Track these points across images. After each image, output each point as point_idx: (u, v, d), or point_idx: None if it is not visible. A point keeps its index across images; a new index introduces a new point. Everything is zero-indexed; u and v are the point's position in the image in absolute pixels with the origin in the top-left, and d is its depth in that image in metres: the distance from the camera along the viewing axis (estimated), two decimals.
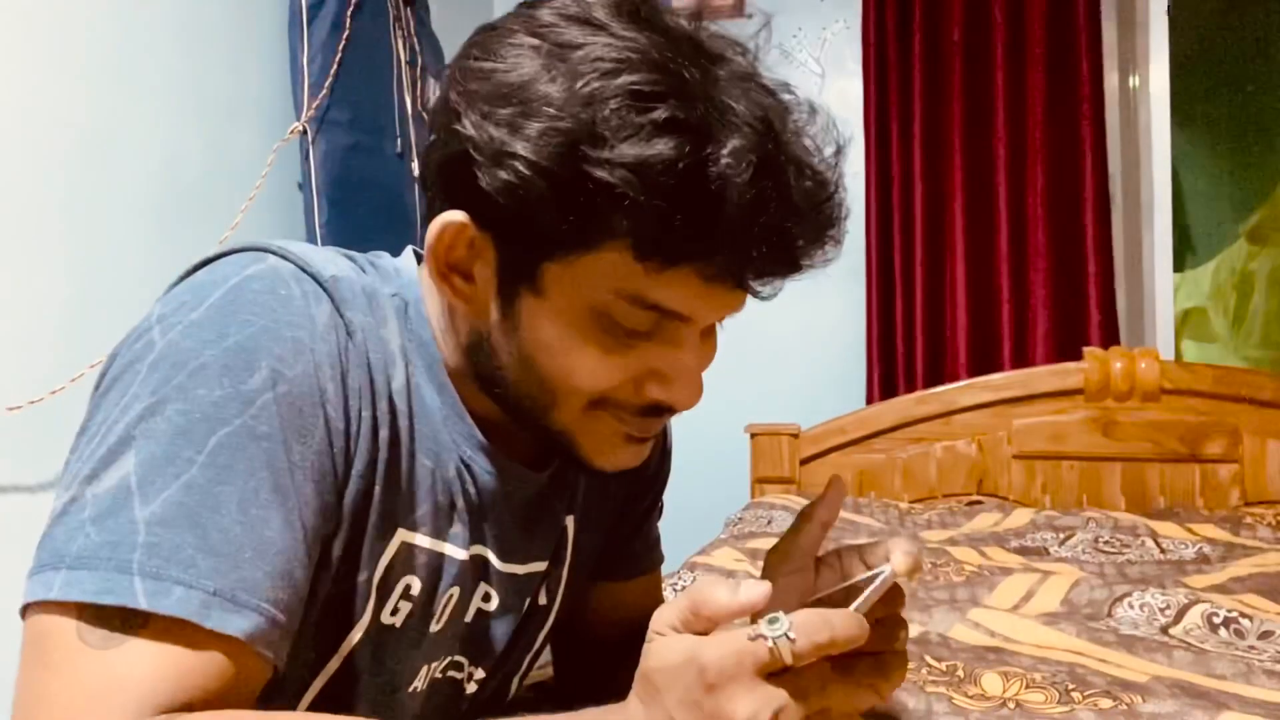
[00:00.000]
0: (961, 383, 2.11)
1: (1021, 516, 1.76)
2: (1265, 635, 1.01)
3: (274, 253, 0.54)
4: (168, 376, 0.48)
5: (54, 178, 1.31)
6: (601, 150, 0.47)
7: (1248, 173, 3.17)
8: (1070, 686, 0.85)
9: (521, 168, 0.49)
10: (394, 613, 0.59)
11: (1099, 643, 1.00)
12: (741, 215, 0.49)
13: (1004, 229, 2.34)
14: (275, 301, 0.51)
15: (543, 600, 0.71)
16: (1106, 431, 1.97)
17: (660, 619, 0.47)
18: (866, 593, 0.49)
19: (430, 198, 0.57)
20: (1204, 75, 3.05)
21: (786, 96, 0.54)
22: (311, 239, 1.77)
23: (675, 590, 1.21)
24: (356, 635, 0.57)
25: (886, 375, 2.42)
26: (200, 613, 0.45)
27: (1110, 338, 2.27)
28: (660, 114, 0.47)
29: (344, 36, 1.80)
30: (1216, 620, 1.05)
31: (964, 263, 2.36)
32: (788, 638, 0.43)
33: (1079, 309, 2.29)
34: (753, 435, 2.15)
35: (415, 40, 2.08)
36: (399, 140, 1.98)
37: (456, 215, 0.54)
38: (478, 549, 0.63)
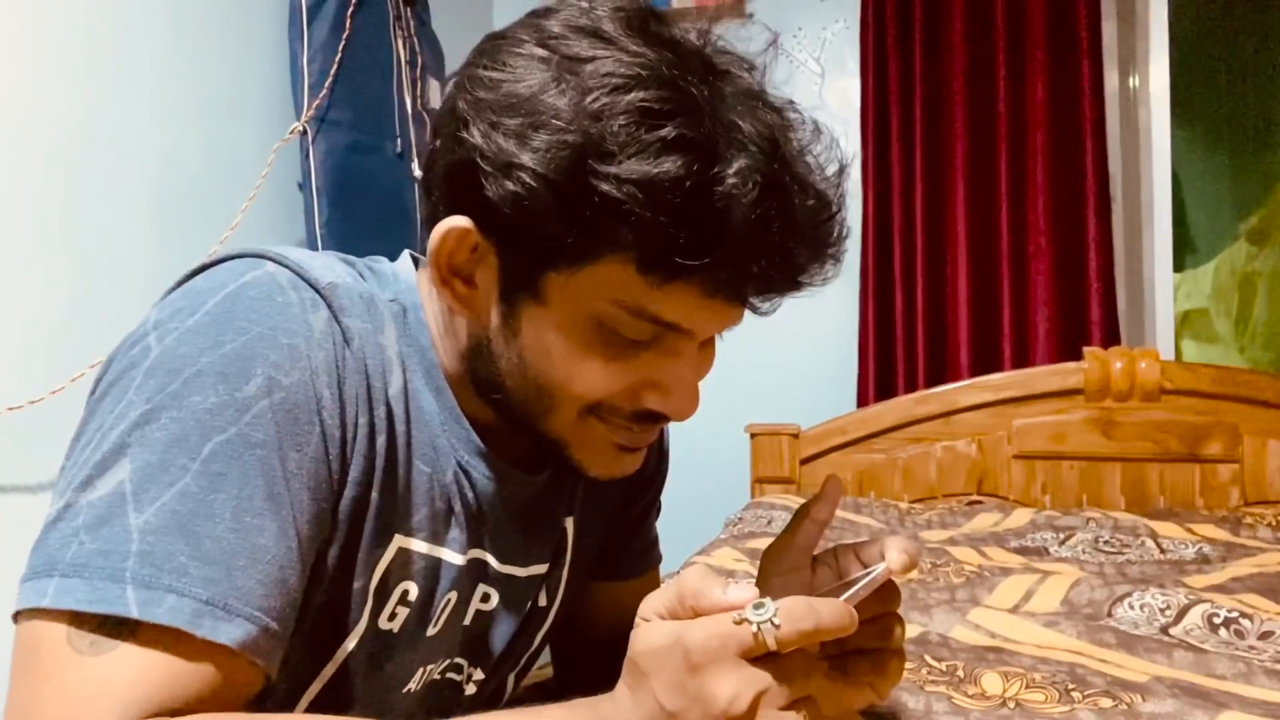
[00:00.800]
0: (961, 383, 2.11)
1: (1021, 516, 1.76)
2: (1265, 635, 1.01)
3: (271, 259, 0.54)
4: (163, 384, 0.48)
5: (54, 177, 1.31)
6: (609, 165, 0.48)
7: (1248, 173, 3.17)
8: (1070, 686, 0.85)
9: (528, 179, 0.49)
10: (391, 618, 0.59)
11: (1099, 643, 1.00)
12: (745, 234, 0.49)
13: (1004, 229, 2.33)
14: (272, 308, 0.51)
15: (543, 601, 0.71)
16: (1106, 431, 1.97)
17: (647, 605, 0.47)
18: (857, 586, 0.49)
19: (433, 202, 0.57)
20: (1204, 75, 3.05)
21: (792, 115, 0.55)
22: (311, 239, 1.77)
23: None
24: (352, 642, 0.57)
25: (886, 375, 2.42)
26: (192, 622, 0.45)
27: (1110, 338, 2.27)
28: (668, 132, 0.48)
29: (344, 36, 1.80)
30: (1217, 620, 1.04)
31: (964, 262, 2.36)
32: (772, 623, 0.43)
33: (1079, 309, 2.29)
34: (753, 435, 2.15)
35: (415, 40, 2.08)
36: (399, 140, 1.98)
37: (460, 221, 0.54)
38: (476, 553, 0.63)
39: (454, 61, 2.13)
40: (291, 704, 0.56)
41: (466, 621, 0.65)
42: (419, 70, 2.08)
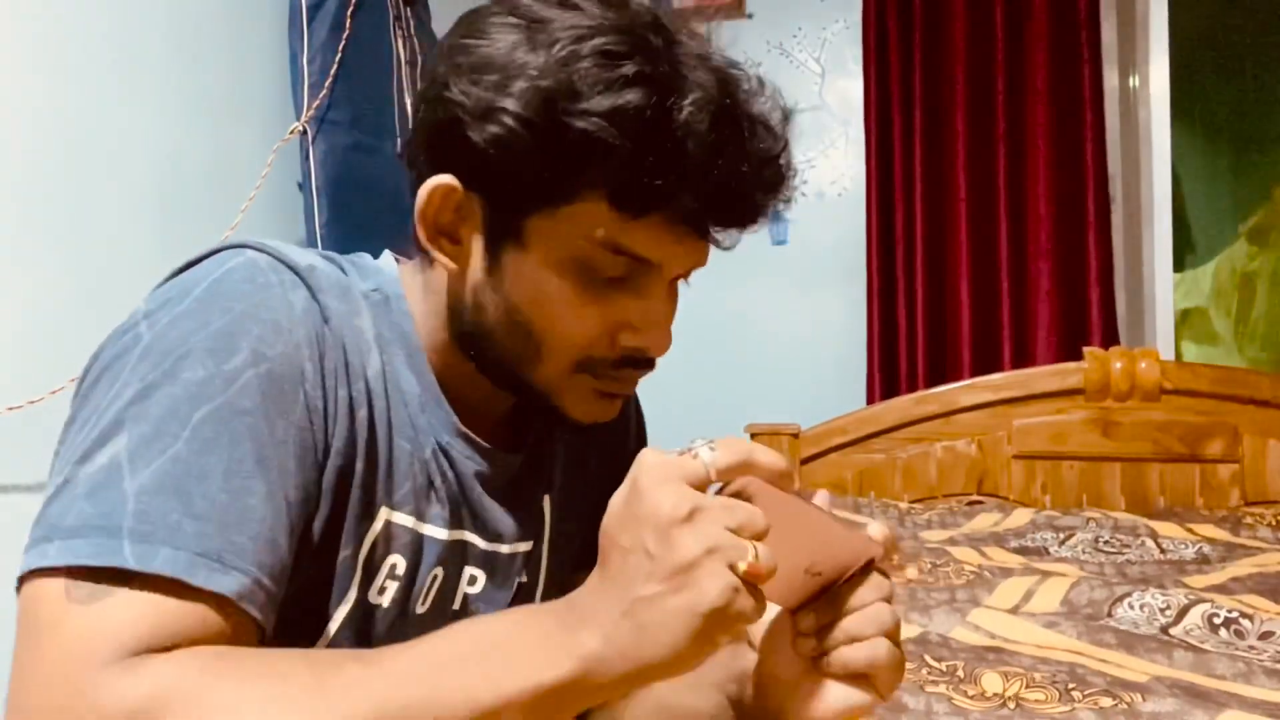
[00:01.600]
0: (962, 383, 2.11)
1: (1021, 516, 1.76)
2: (1265, 635, 1.01)
3: (252, 247, 0.58)
4: (157, 363, 0.51)
5: (54, 177, 1.31)
6: (578, 103, 0.53)
7: (1248, 173, 3.17)
8: (1070, 686, 0.85)
9: (509, 120, 0.54)
10: (381, 592, 0.61)
11: (1099, 643, 1.00)
12: (702, 160, 0.54)
13: (1004, 228, 2.34)
14: (253, 289, 0.55)
15: (523, 579, 0.72)
16: (1106, 431, 1.97)
17: (612, 498, 0.49)
18: (838, 514, 0.52)
19: (416, 170, 0.61)
20: (1204, 75, 3.05)
21: (737, 71, 0.59)
22: (311, 239, 1.77)
23: None
24: (342, 613, 0.59)
25: (888, 375, 2.42)
26: (188, 570, 0.46)
27: (1110, 338, 2.27)
28: (628, 69, 0.53)
29: (344, 36, 1.80)
30: (1217, 620, 1.04)
31: (965, 262, 2.36)
32: (709, 448, 0.47)
33: (1079, 309, 2.29)
34: (753, 435, 2.15)
35: (415, 40, 2.08)
36: (399, 140, 1.97)
37: (444, 178, 0.58)
38: (459, 533, 0.65)
39: None
40: None
41: (456, 605, 0.66)
42: (419, 70, 2.08)
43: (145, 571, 0.46)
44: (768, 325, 2.58)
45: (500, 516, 0.68)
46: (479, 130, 0.55)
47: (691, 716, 0.67)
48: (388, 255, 0.68)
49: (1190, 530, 1.63)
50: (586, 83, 0.53)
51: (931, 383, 2.31)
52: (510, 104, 0.54)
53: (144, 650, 0.45)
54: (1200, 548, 1.50)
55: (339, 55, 1.78)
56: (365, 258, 0.67)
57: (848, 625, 0.53)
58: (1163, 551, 1.50)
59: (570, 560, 0.77)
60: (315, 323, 0.56)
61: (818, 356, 2.57)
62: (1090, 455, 1.97)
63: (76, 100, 1.36)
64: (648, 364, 0.63)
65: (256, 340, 0.53)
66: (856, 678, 0.54)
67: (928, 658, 0.95)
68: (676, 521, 0.45)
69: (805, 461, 2.11)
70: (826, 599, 0.55)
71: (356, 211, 1.83)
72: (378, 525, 0.60)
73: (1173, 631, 1.04)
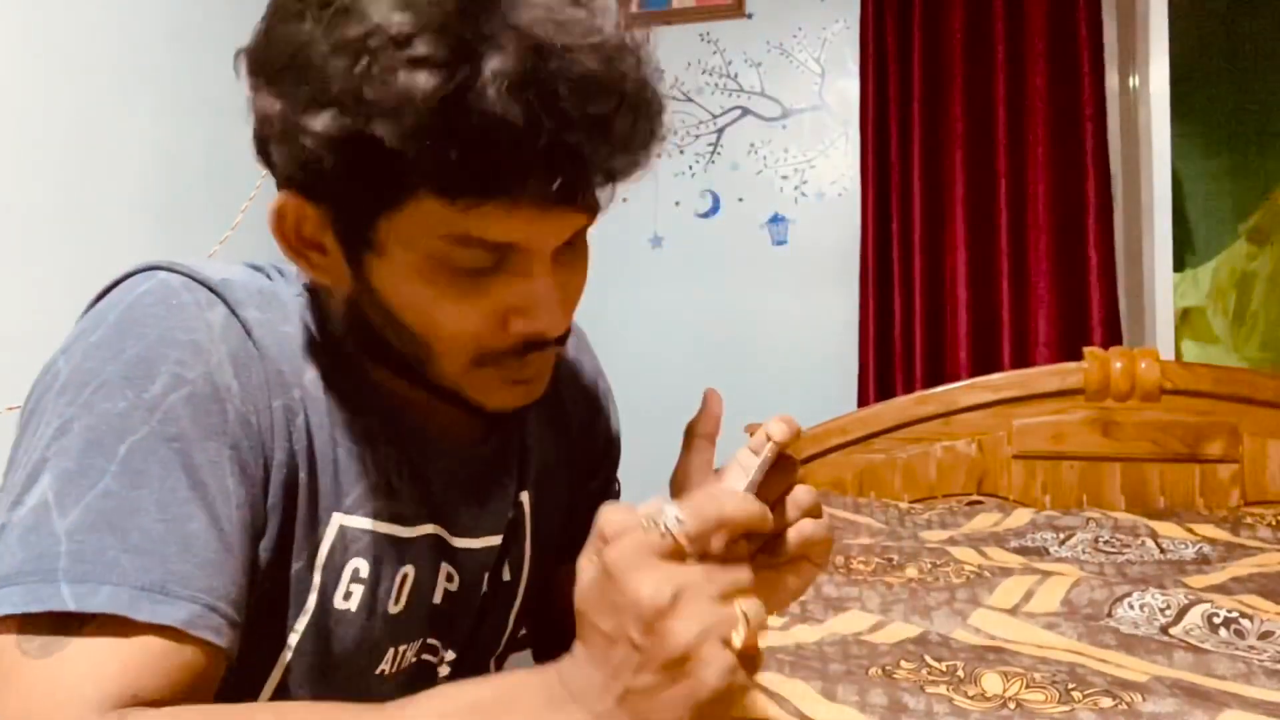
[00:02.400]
0: (961, 383, 2.10)
1: (1021, 516, 1.76)
2: (1265, 635, 1.01)
3: (163, 268, 0.56)
4: (73, 398, 0.50)
5: (54, 177, 1.31)
6: (368, 107, 0.47)
7: (1248, 173, 3.17)
8: (1070, 686, 0.85)
9: (306, 142, 0.49)
10: (346, 597, 0.60)
11: (1099, 643, 1.00)
12: (513, 136, 0.47)
13: (1004, 228, 2.34)
14: (167, 311, 0.53)
15: (506, 577, 0.71)
16: (1106, 431, 1.97)
17: (580, 560, 0.47)
18: (752, 471, 0.50)
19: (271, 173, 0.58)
20: (1204, 75, 3.05)
21: (567, 12, 0.50)
22: None
23: None
24: (302, 622, 0.58)
25: (885, 375, 2.42)
26: (131, 606, 0.45)
27: (1111, 338, 2.27)
28: (416, 50, 0.47)
29: None
30: (1217, 620, 1.04)
31: (964, 262, 2.36)
32: (677, 520, 0.43)
33: (1079, 309, 2.29)
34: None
35: None
36: None
37: (285, 197, 0.55)
38: (428, 528, 0.64)
39: None
40: (252, 695, 0.57)
41: (436, 600, 0.65)
42: None
43: (88, 612, 0.45)
44: (767, 325, 2.58)
45: (468, 510, 0.67)
46: (281, 152, 0.51)
47: None
48: None
49: (1190, 530, 1.63)
50: (372, 78, 0.47)
51: (930, 383, 2.31)
52: (306, 120, 0.49)
53: (105, 703, 0.44)
54: (1200, 548, 1.50)
55: None
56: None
57: (774, 518, 0.52)
58: (1163, 551, 1.50)
59: (554, 553, 0.76)
60: (237, 338, 0.55)
61: (818, 356, 2.57)
62: (1090, 455, 1.97)
63: (76, 100, 1.35)
64: (550, 344, 0.59)
65: (176, 364, 0.51)
66: (793, 560, 0.55)
67: (928, 658, 0.95)
68: (660, 612, 0.41)
69: (805, 461, 2.11)
70: None
71: None
72: (330, 532, 0.58)
73: (1173, 631, 1.04)
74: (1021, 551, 1.53)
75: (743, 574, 0.45)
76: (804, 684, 0.84)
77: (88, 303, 0.58)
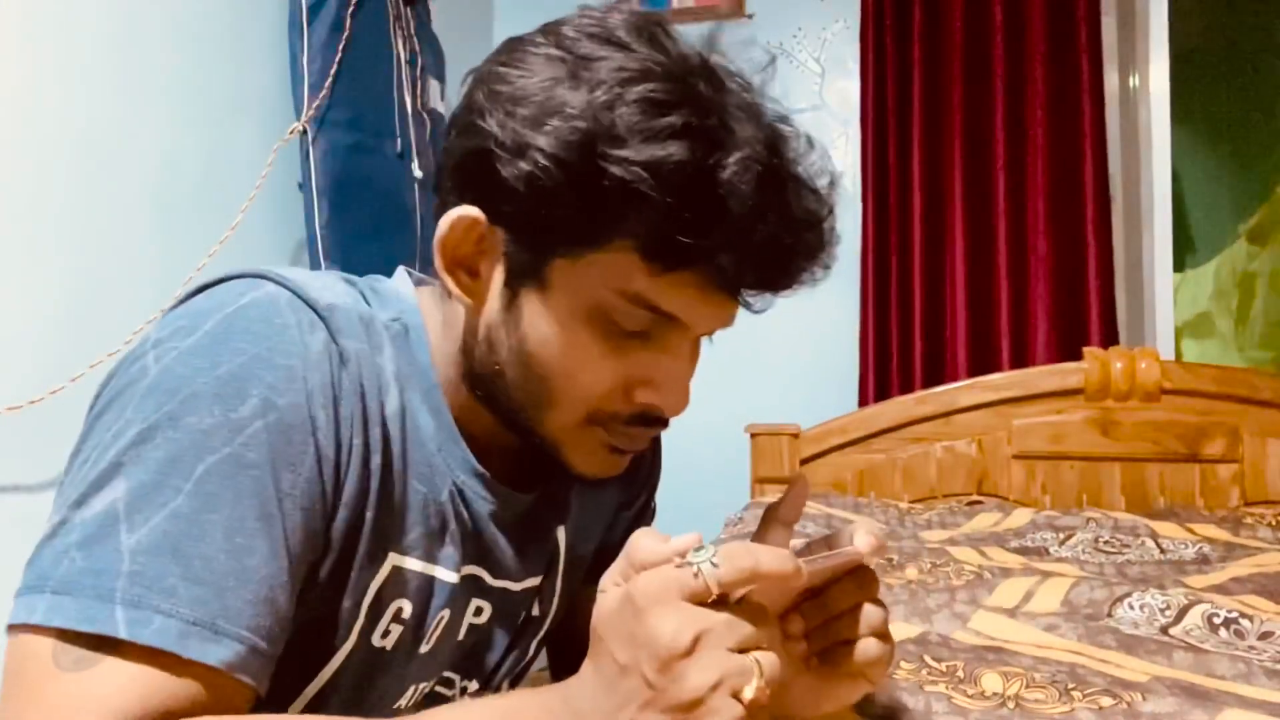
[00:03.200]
0: (961, 383, 2.10)
1: (1021, 516, 1.76)
2: (1265, 635, 1.01)
3: (273, 279, 0.55)
4: (160, 403, 0.49)
5: (54, 178, 1.31)
6: (617, 149, 0.50)
7: (1248, 173, 3.17)
8: (1070, 686, 0.85)
9: (541, 159, 0.51)
10: (385, 635, 0.59)
11: (1099, 644, 1.00)
12: (744, 221, 0.51)
13: (1003, 229, 2.33)
14: (269, 330, 0.52)
15: (536, 611, 0.71)
16: (1106, 431, 1.97)
17: (604, 579, 0.48)
18: (820, 559, 0.50)
19: (443, 196, 0.59)
20: (1204, 75, 3.05)
21: (787, 128, 0.57)
22: (311, 239, 1.77)
23: None
24: (339, 659, 0.57)
25: (884, 376, 2.42)
26: (179, 643, 0.45)
27: (1110, 338, 2.27)
28: (675, 119, 0.50)
29: (344, 36, 1.80)
30: (1217, 620, 1.04)
31: (963, 262, 2.36)
32: (712, 563, 0.44)
33: (1079, 309, 2.29)
34: (753, 435, 2.15)
35: (415, 40, 2.08)
36: (399, 140, 1.97)
37: (469, 210, 0.56)
38: (469, 569, 0.64)
39: (454, 61, 2.13)
40: None
41: (460, 637, 0.65)
42: (419, 70, 2.08)
43: (135, 642, 0.44)
44: (768, 325, 2.58)
45: (513, 554, 0.66)
46: (510, 165, 0.53)
47: None
48: (404, 277, 0.66)
49: (1190, 530, 1.63)
50: (628, 129, 0.50)
51: (929, 383, 2.31)
52: (545, 142, 0.51)
53: (124, 717, 0.44)
54: (1200, 548, 1.50)
55: (339, 55, 1.78)
56: (384, 282, 0.65)
57: (838, 628, 0.54)
58: (1163, 551, 1.50)
59: (581, 577, 0.76)
60: (332, 367, 0.54)
61: (817, 356, 2.57)
62: (1090, 455, 1.97)
63: (76, 100, 1.36)
64: (661, 423, 0.60)
65: (268, 388, 0.50)
66: (850, 674, 0.55)
67: (927, 658, 0.95)
68: (678, 654, 0.42)
69: (805, 461, 2.11)
70: (814, 602, 0.55)
71: (356, 211, 1.83)
72: (384, 571, 0.58)
73: (1172, 631, 1.04)
74: (1021, 551, 1.53)
75: (764, 627, 0.45)
76: None
77: (183, 295, 0.56)
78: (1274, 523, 1.67)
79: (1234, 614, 1.05)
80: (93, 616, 0.44)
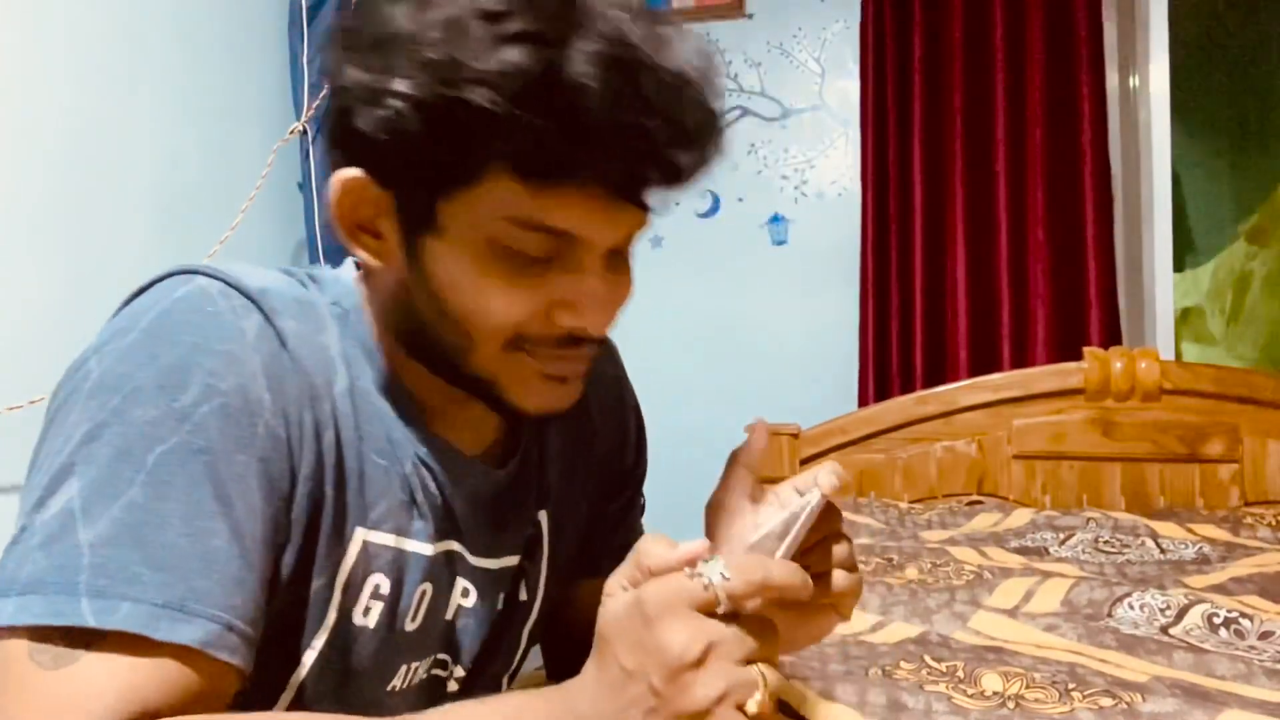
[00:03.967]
0: (961, 383, 2.10)
1: (1021, 516, 1.76)
2: (1265, 635, 1.01)
3: (202, 273, 0.56)
4: (104, 402, 0.50)
5: (54, 177, 1.31)
6: (462, 72, 0.49)
7: (1248, 173, 3.17)
8: (1070, 686, 0.85)
9: (395, 103, 0.50)
10: (366, 613, 0.59)
11: (1099, 644, 1.00)
12: (599, 117, 0.49)
13: (1004, 229, 2.33)
14: (204, 319, 0.53)
15: (523, 596, 0.71)
16: (1106, 431, 1.97)
17: (611, 581, 0.48)
18: (801, 519, 0.51)
19: (334, 167, 0.58)
20: (1204, 75, 3.05)
21: (645, 17, 0.53)
22: (311, 239, 1.77)
23: None
24: (320, 640, 0.57)
25: (885, 375, 2.42)
26: (149, 625, 0.45)
27: (1110, 338, 2.27)
28: (510, 27, 0.49)
29: None
30: (1217, 620, 1.04)
31: (964, 262, 2.36)
32: (723, 575, 0.44)
33: (1079, 309, 2.29)
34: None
35: None
36: None
37: (349, 171, 0.56)
38: (446, 544, 0.64)
39: None
40: (266, 709, 0.57)
41: (449, 616, 0.65)
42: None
43: (107, 629, 0.45)
44: (767, 325, 2.58)
45: (489, 530, 0.67)
46: (368, 116, 0.52)
47: None
48: (348, 265, 0.66)
49: (1190, 530, 1.63)
50: (467, 48, 0.49)
51: (929, 383, 2.31)
52: (396, 84, 0.50)
53: (116, 716, 0.44)
54: (1200, 548, 1.50)
55: None
56: (325, 270, 0.65)
57: (807, 563, 0.53)
58: (1163, 552, 1.50)
59: (567, 570, 0.76)
60: (271, 348, 0.54)
61: (817, 356, 2.57)
62: (1090, 455, 1.97)
63: (77, 100, 1.35)
64: (590, 343, 0.59)
65: (209, 374, 0.51)
66: (820, 607, 0.56)
67: (927, 658, 0.95)
68: (687, 665, 0.43)
69: (805, 461, 2.11)
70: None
71: None
72: (354, 548, 0.58)
73: (1173, 632, 1.04)
74: (1021, 551, 1.53)
75: (769, 636, 0.46)
76: (802, 684, 0.84)
77: (121, 301, 0.57)
78: (1274, 523, 1.67)
79: (1234, 614, 1.05)
80: (59, 610, 0.45)
